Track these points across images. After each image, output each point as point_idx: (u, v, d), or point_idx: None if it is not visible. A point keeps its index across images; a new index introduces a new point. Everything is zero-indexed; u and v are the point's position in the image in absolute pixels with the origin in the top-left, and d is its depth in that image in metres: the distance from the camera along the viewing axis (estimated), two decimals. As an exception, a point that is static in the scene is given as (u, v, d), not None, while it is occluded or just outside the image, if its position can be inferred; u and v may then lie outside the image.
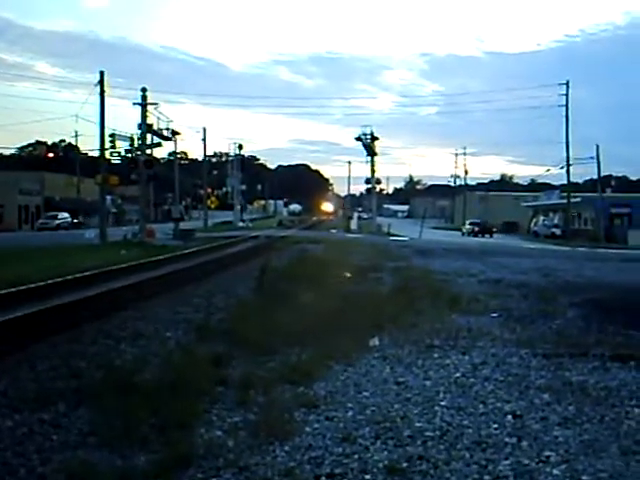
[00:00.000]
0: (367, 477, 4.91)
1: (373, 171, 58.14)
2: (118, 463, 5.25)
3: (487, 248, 33.58)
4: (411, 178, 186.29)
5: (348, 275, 19.05)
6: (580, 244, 47.93)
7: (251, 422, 6.17)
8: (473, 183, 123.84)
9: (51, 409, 6.47)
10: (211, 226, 67.05)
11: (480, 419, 6.11)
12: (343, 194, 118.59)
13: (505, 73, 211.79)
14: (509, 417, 6.15)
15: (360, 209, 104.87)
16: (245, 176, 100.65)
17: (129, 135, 40.58)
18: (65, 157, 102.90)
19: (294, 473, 5.00)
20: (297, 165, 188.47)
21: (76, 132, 79.47)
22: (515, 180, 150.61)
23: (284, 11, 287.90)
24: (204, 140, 71.41)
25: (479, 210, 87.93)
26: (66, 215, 68.71)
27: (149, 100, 39.56)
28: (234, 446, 5.60)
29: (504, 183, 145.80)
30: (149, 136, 40.35)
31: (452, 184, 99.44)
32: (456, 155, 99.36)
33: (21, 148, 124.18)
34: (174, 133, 42.31)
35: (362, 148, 59.65)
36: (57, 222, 65.70)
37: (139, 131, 38.66)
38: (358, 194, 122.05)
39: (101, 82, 36.54)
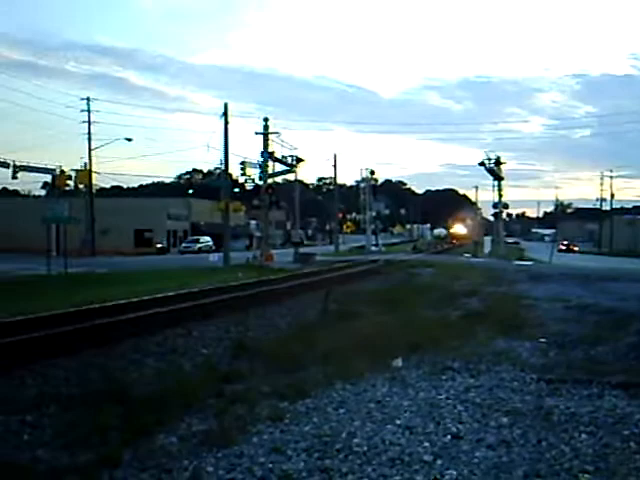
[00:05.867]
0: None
1: (500, 195, 57.05)
2: (63, 461, 5.82)
3: (610, 274, 31.97)
4: (559, 202, 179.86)
5: (433, 300, 18.99)
6: None
7: (210, 431, 6.58)
8: (629, 206, 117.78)
9: (39, 412, 7.15)
10: (344, 250, 67.93)
11: (418, 438, 6.20)
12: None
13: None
14: (448, 437, 6.20)
15: (505, 233, 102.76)
16: (390, 200, 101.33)
17: (259, 162, 42.42)
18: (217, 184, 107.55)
19: (200, 476, 5.38)
20: (445, 190, 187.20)
21: (220, 160, 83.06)
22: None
23: (433, 37, 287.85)
24: (334, 166, 73.17)
25: (627, 234, 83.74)
26: (208, 239, 71.98)
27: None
28: (176, 451, 6.04)
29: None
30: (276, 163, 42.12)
31: (599, 207, 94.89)
32: (602, 177, 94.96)
33: (179, 176, 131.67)
34: (298, 160, 43.63)
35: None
36: (199, 246, 69.06)
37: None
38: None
39: (225, 114, 38.38)
